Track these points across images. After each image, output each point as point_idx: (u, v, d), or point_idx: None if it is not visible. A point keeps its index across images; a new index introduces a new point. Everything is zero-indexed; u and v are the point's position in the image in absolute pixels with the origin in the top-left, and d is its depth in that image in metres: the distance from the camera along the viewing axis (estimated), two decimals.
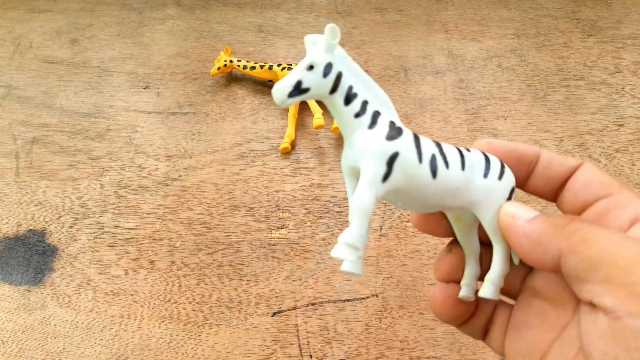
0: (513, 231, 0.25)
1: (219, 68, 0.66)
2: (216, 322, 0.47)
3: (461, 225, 0.29)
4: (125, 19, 0.78)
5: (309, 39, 0.25)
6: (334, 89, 0.26)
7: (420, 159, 0.25)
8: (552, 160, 0.28)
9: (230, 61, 0.66)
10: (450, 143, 0.60)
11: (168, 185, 0.57)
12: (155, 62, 0.71)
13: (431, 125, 0.62)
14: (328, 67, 0.25)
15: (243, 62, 0.66)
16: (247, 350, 0.46)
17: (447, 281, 0.30)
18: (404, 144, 0.25)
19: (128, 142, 0.62)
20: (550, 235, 0.23)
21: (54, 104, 0.67)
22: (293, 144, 0.60)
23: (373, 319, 0.47)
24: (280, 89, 0.25)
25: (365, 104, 0.26)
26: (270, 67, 0.64)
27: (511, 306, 0.29)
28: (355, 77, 0.26)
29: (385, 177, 0.25)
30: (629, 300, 0.20)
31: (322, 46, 0.25)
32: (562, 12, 0.77)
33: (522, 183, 0.29)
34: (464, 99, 0.65)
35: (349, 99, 0.26)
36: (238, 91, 0.67)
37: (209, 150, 0.60)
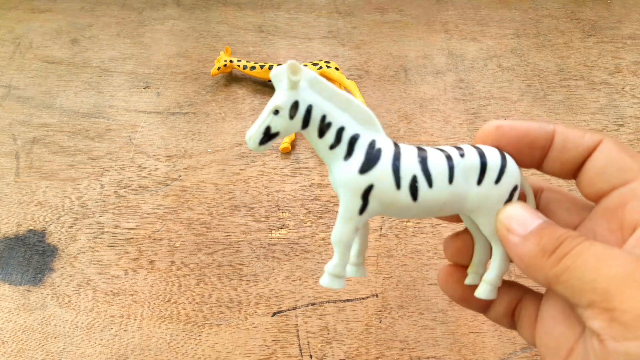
0: (508, 249, 0.25)
1: (219, 68, 0.66)
2: (216, 322, 0.47)
3: (466, 217, 0.29)
4: (125, 19, 0.78)
5: (274, 76, 0.25)
6: (305, 124, 0.25)
7: (398, 185, 0.25)
8: (567, 142, 0.26)
9: (230, 61, 0.66)
10: (450, 143, 0.61)
11: (168, 185, 0.57)
12: (155, 62, 0.71)
13: (431, 125, 0.62)
14: (294, 107, 0.24)
15: (243, 62, 0.66)
16: (247, 350, 0.46)
17: (455, 262, 0.30)
18: (380, 173, 0.25)
19: (128, 142, 0.62)
20: (540, 262, 0.23)
21: (54, 104, 0.67)
22: (293, 144, 0.60)
23: (373, 319, 0.47)
24: (252, 138, 0.25)
25: (340, 131, 0.25)
26: (271, 67, 0.64)
27: (541, 296, 0.28)
28: (329, 101, 0.25)
29: (362, 210, 0.25)
30: (612, 324, 0.20)
31: (285, 85, 0.24)
32: (562, 12, 0.77)
33: (537, 166, 0.28)
34: (464, 99, 0.65)
35: (322, 131, 0.25)
36: (238, 91, 0.67)
37: (209, 150, 0.60)
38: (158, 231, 0.54)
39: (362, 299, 0.48)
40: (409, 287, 0.49)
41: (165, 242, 0.53)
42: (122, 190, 0.57)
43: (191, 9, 0.80)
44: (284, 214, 0.54)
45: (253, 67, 0.65)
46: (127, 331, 0.47)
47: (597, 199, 0.26)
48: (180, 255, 0.52)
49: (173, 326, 0.47)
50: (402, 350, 0.45)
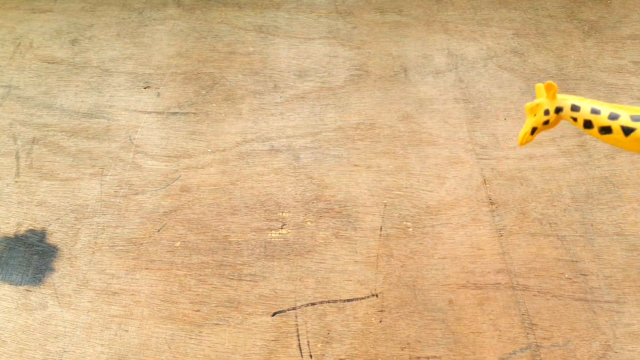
0: None
1: (533, 131, 0.40)
2: (216, 322, 0.47)
3: None
4: (125, 19, 0.78)
5: None
6: None
7: None
8: None
9: (557, 110, 0.39)
10: (450, 143, 0.61)
11: (168, 185, 0.57)
12: (155, 62, 0.71)
13: (431, 125, 0.62)
14: None
15: (584, 112, 0.38)
16: (247, 350, 0.46)
17: None
18: None
19: (128, 142, 0.62)
20: None
21: (54, 104, 0.67)
22: (293, 145, 0.60)
23: (373, 319, 0.47)
24: None
25: None
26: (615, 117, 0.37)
27: None
28: None
29: None
30: None
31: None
32: (562, 12, 0.77)
33: None
34: (464, 99, 0.65)
35: None
36: (238, 91, 0.67)
37: (209, 150, 0.60)
38: (158, 231, 0.54)
39: (362, 299, 0.48)
40: (409, 287, 0.49)
41: (165, 242, 0.53)
42: (122, 190, 0.57)
43: (191, 9, 0.80)
44: (284, 214, 0.54)
45: (606, 130, 0.37)
46: (127, 331, 0.47)
47: None
48: (180, 255, 0.52)
49: (173, 326, 0.47)
50: (402, 350, 0.45)
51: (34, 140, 0.63)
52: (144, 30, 0.76)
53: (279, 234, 0.53)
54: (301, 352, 0.45)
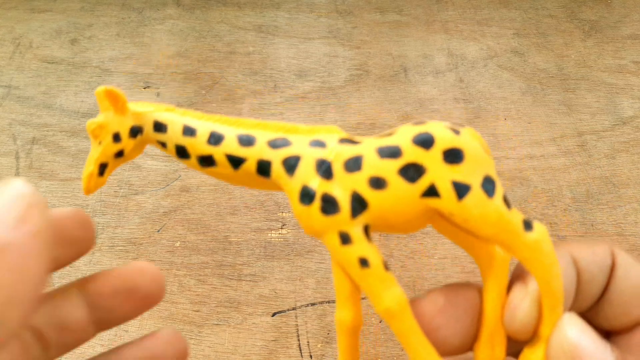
0: None
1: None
2: (216, 322, 0.47)
3: None
4: (125, 19, 0.78)
5: None
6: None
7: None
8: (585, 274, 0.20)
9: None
10: None
11: (168, 185, 0.57)
12: (155, 62, 0.71)
13: None
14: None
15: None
16: (247, 350, 0.46)
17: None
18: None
19: None
20: None
21: (54, 104, 0.67)
22: None
23: (373, 319, 0.47)
24: None
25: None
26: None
27: None
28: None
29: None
30: None
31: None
32: (562, 12, 0.77)
33: None
34: (464, 99, 0.65)
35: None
36: (238, 91, 0.67)
37: None
38: (158, 231, 0.54)
39: (362, 299, 0.48)
40: (409, 287, 0.49)
41: (165, 242, 0.53)
42: (122, 190, 0.57)
43: (191, 9, 0.80)
44: (284, 214, 0.54)
45: (207, 160, 0.24)
46: (127, 331, 0.47)
47: (627, 329, 0.21)
48: (180, 255, 0.52)
49: (173, 326, 0.47)
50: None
51: (33, 140, 0.63)
52: (144, 30, 0.76)
53: (279, 234, 0.53)
54: (301, 352, 0.45)
